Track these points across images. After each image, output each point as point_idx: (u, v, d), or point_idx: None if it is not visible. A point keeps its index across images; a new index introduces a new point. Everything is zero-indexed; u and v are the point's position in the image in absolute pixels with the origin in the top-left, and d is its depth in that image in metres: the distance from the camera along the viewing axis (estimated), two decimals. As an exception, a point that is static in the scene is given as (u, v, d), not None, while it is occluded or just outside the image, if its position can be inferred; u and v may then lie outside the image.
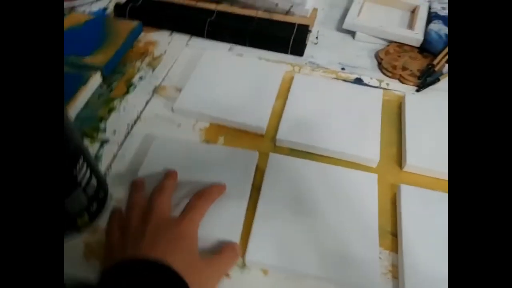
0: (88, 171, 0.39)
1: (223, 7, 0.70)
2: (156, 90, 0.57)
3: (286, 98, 0.55)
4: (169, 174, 0.44)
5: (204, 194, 0.42)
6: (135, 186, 0.44)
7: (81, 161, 0.37)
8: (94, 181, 0.40)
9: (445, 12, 0.69)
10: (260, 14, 0.68)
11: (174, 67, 0.61)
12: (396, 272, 0.40)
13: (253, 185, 0.46)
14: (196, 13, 0.69)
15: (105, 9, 0.73)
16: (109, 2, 0.74)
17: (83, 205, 0.39)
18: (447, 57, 0.61)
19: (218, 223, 0.42)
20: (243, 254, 0.40)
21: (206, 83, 0.56)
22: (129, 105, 0.55)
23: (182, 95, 0.54)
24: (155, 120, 0.53)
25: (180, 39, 0.67)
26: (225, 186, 0.44)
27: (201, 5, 0.70)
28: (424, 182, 0.47)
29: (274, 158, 0.48)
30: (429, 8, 0.72)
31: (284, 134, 0.50)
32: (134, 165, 0.48)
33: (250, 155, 0.48)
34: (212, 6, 0.70)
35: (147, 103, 0.55)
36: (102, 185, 0.42)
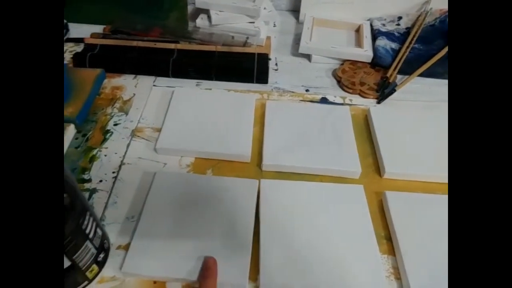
0: (95, 223, 0.39)
1: (182, 46, 0.72)
2: (133, 133, 0.58)
3: (262, 124, 0.58)
4: (210, 261, 0.42)
5: (210, 274, 0.41)
6: (210, 271, 0.42)
7: (88, 214, 0.37)
8: (99, 232, 0.40)
9: (386, 28, 0.76)
10: (220, 48, 0.71)
11: (146, 108, 0.62)
12: (398, 274, 0.43)
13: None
14: (157, 54, 0.70)
15: (61, 59, 0.72)
16: (64, 53, 0.73)
17: (93, 255, 0.39)
18: (398, 68, 0.68)
19: (228, 252, 0.43)
20: (256, 279, 0.42)
21: (183, 119, 0.58)
22: (110, 152, 0.55)
23: (162, 135, 0.55)
24: (140, 163, 0.54)
25: (146, 80, 0.67)
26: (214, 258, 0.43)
27: (160, 46, 0.72)
28: (404, 186, 0.52)
29: (265, 184, 0.50)
30: (371, 26, 0.78)
31: (269, 159, 0.53)
32: (128, 210, 0.48)
33: (250, 184, 0.50)
34: (172, 46, 0.71)
35: (127, 147, 0.56)
36: (105, 236, 0.42)
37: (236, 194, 0.48)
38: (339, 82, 0.68)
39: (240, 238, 0.44)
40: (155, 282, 0.42)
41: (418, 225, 0.46)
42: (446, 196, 0.49)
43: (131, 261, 0.42)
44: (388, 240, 0.46)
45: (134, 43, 0.72)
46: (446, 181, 0.52)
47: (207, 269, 0.41)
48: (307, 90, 0.67)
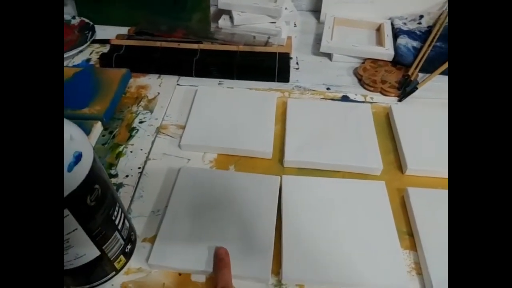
0: (123, 215, 0.40)
1: (205, 46, 0.73)
2: (158, 130, 0.59)
3: (284, 122, 0.59)
4: (222, 252, 0.43)
5: (224, 265, 0.42)
6: (223, 261, 0.43)
7: (117, 205, 0.38)
8: (127, 224, 0.41)
9: (407, 27, 0.76)
10: (241, 48, 0.72)
11: (170, 106, 0.63)
12: (419, 269, 0.44)
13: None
14: (180, 54, 0.72)
15: (88, 60, 0.74)
16: (91, 54, 0.76)
17: (121, 246, 0.40)
18: (419, 67, 0.68)
19: (251, 247, 0.44)
20: (278, 273, 0.43)
21: (207, 117, 0.59)
22: (136, 149, 0.57)
23: (187, 132, 0.57)
24: (164, 159, 0.55)
25: (169, 79, 0.69)
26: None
27: (184, 46, 0.73)
28: (426, 182, 0.52)
29: (287, 180, 0.50)
30: (392, 25, 0.78)
31: (291, 155, 0.53)
32: (153, 203, 0.50)
33: (272, 180, 0.50)
34: (195, 46, 0.73)
35: (152, 143, 0.57)
36: (132, 228, 0.44)
37: (258, 189, 0.49)
38: (360, 80, 0.68)
39: (263, 233, 0.45)
40: (180, 274, 0.43)
41: (440, 221, 0.46)
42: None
43: (157, 253, 0.44)
44: (409, 235, 0.46)
45: (158, 44, 0.73)
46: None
47: (220, 260, 0.42)
48: (328, 89, 0.67)
